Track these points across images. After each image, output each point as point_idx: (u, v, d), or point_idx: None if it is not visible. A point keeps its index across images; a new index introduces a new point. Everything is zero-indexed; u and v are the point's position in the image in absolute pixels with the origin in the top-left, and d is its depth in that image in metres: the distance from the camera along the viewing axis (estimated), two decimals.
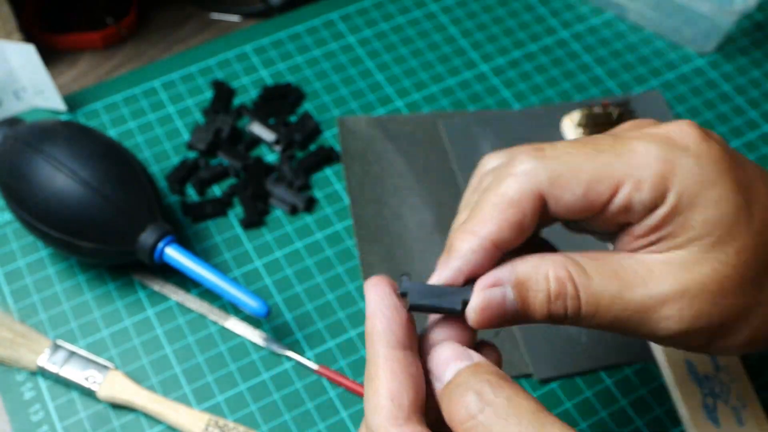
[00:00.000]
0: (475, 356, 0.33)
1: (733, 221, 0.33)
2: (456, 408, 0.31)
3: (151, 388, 0.50)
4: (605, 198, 0.33)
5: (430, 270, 0.54)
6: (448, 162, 0.59)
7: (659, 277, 0.33)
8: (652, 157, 0.33)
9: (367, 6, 0.69)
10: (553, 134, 0.60)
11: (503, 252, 0.34)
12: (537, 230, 0.36)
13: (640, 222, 0.34)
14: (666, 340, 0.34)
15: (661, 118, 0.62)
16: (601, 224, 0.35)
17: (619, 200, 0.33)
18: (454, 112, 0.62)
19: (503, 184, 0.34)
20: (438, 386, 0.33)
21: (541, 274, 0.34)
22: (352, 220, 0.56)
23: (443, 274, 0.35)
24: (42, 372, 0.49)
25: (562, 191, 0.33)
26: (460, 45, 0.67)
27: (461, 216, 0.37)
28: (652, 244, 0.34)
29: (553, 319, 0.34)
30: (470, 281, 0.35)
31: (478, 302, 0.34)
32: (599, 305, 0.33)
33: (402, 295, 0.35)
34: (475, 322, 0.34)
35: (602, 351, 0.51)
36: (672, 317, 0.33)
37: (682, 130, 0.34)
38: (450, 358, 0.33)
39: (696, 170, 0.32)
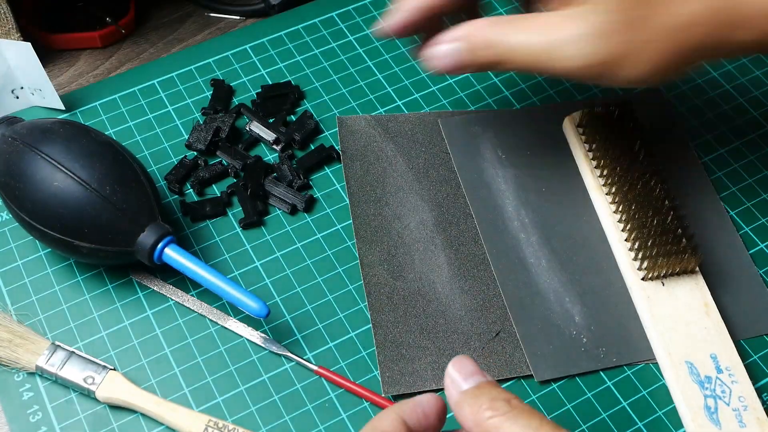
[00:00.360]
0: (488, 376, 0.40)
1: None
2: (478, 409, 0.38)
3: (150, 388, 0.49)
4: None
5: (431, 270, 0.54)
6: (449, 161, 0.59)
7: (561, 28, 0.43)
8: None
9: (367, 4, 0.68)
10: (555, 134, 0.60)
11: (438, 12, 0.49)
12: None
13: None
14: (573, 73, 0.44)
15: (664, 116, 0.62)
16: None
17: None
18: (454, 111, 0.62)
19: None
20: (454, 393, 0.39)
21: (472, 26, 0.46)
22: (352, 220, 0.56)
23: (391, 20, 0.49)
24: (40, 373, 0.49)
25: None
26: None
27: None
28: (561, 6, 0.44)
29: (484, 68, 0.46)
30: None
31: (438, 51, 0.47)
32: (514, 52, 0.44)
33: None
34: (440, 67, 0.47)
35: (603, 352, 0.51)
36: (572, 55, 0.43)
37: None
38: (473, 372, 0.40)
39: None
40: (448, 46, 0.46)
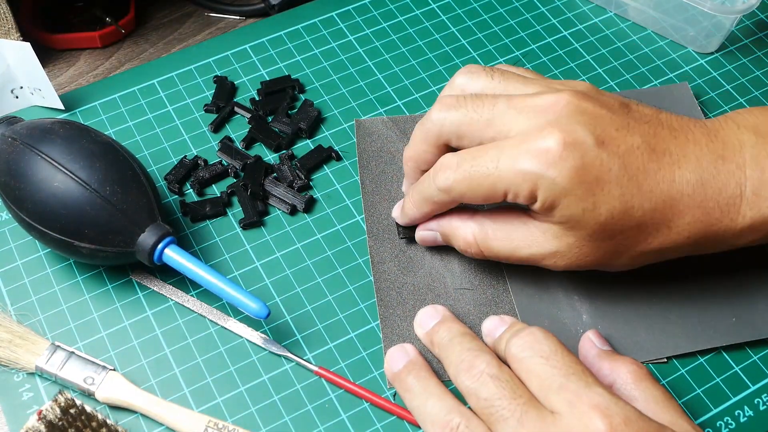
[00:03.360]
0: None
1: (580, 217, 0.45)
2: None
3: (150, 389, 0.49)
4: (499, 199, 0.47)
5: (442, 265, 0.54)
6: None
7: (539, 242, 0.48)
8: (525, 178, 0.45)
9: (367, 4, 0.68)
10: None
11: (426, 167, 0.51)
12: None
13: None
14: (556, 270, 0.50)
15: (689, 111, 0.62)
16: None
17: (508, 199, 0.47)
18: None
19: (423, 125, 0.50)
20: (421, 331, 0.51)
21: (457, 234, 0.51)
22: (365, 218, 0.56)
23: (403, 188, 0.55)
24: (40, 373, 0.49)
25: (469, 197, 0.48)
26: (461, 43, 0.66)
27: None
28: (542, 213, 0.47)
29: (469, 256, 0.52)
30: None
31: (419, 235, 0.54)
32: (498, 256, 0.50)
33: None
34: (420, 243, 0.54)
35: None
36: (550, 265, 0.49)
37: (550, 147, 0.44)
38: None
39: (553, 186, 0.45)
40: (427, 234, 0.53)
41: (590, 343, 0.49)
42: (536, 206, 0.46)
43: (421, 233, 0.53)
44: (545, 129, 0.45)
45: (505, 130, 0.46)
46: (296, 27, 0.67)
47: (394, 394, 0.49)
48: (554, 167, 0.44)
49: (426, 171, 0.51)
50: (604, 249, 0.47)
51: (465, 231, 0.50)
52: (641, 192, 0.45)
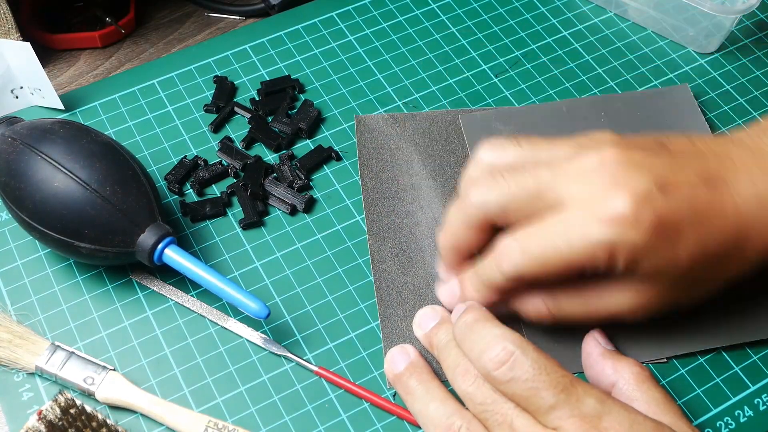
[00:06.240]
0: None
1: (663, 269, 0.44)
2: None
3: (150, 389, 0.49)
4: (575, 274, 0.45)
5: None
6: (465, 158, 0.58)
7: (618, 301, 0.46)
8: (603, 248, 0.43)
9: (367, 4, 0.68)
10: (578, 130, 0.58)
11: (469, 252, 0.49)
12: None
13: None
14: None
15: (690, 113, 0.62)
16: None
17: (585, 272, 0.45)
18: (474, 108, 0.62)
19: (461, 210, 0.48)
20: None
21: (528, 307, 0.48)
22: (365, 216, 0.56)
23: (440, 273, 0.52)
24: (40, 373, 0.49)
25: (542, 279, 0.46)
26: (461, 43, 0.66)
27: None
28: (617, 276, 0.45)
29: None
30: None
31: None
32: (574, 320, 0.48)
33: None
34: None
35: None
36: (629, 319, 0.47)
37: (621, 210, 0.42)
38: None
39: (634, 247, 0.43)
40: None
41: (594, 342, 0.49)
42: (617, 270, 0.44)
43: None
44: (607, 191, 0.43)
45: (558, 200, 0.44)
46: (296, 27, 0.67)
47: (394, 394, 0.50)
48: (632, 229, 0.43)
49: (469, 255, 0.49)
50: (683, 292, 0.47)
51: (536, 303, 0.48)
52: (713, 227, 0.45)
